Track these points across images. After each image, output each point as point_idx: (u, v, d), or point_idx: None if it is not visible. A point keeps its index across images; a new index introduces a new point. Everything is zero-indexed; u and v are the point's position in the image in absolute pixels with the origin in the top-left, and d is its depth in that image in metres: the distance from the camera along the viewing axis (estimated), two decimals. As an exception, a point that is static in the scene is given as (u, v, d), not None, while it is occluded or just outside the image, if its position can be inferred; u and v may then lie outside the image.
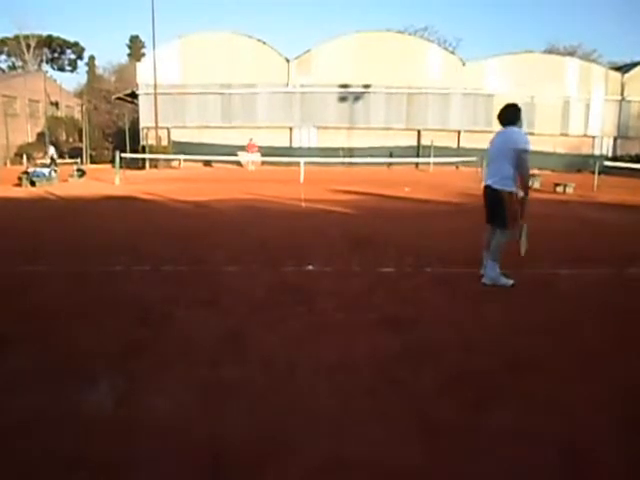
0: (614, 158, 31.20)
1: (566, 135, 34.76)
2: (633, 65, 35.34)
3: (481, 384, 3.07)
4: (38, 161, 25.19)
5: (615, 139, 35.55)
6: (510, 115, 5.37)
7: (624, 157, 31.71)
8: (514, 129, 5.33)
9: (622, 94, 34.24)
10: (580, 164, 30.84)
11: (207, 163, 29.44)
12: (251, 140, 29.41)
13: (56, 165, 20.87)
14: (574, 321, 4.28)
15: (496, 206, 5.29)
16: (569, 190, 16.81)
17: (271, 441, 2.46)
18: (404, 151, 30.67)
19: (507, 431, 2.57)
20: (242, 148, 30.31)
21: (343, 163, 27.38)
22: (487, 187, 5.46)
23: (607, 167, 21.66)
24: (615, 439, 2.52)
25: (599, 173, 18.97)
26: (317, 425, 2.60)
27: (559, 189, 16.99)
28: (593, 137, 35.47)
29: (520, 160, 5.10)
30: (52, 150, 25.98)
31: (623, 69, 35.47)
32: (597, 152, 34.08)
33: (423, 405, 2.81)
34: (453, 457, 2.36)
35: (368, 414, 2.72)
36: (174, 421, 2.62)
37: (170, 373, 3.17)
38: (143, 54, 49.45)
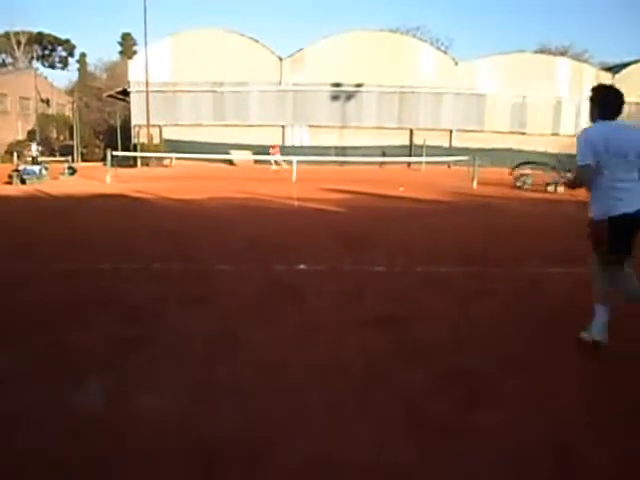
0: (605, 158, 31.34)
1: (557, 135, 34.94)
2: (623, 66, 35.62)
3: (471, 383, 3.08)
4: (28, 158, 24.86)
5: (606, 139, 35.73)
6: (621, 104, 3.76)
7: (614, 157, 31.86)
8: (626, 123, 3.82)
9: (613, 94, 34.45)
10: (571, 163, 30.97)
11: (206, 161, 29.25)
12: (274, 146, 29.11)
13: (38, 163, 20.46)
14: (564, 321, 4.30)
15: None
16: (560, 189, 16.88)
17: (262, 439, 2.46)
18: (396, 150, 30.71)
19: (497, 429, 2.58)
20: (234, 147, 30.24)
21: (335, 162, 27.37)
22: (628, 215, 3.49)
23: (598, 167, 21.76)
24: (603, 437, 2.53)
25: (590, 173, 19.03)
26: (308, 424, 2.60)
27: (550, 188, 17.06)
28: (584, 137, 35.62)
29: None
30: (34, 148, 25.33)
31: (614, 69, 35.73)
32: (588, 152, 34.22)
33: (414, 404, 2.82)
34: (443, 455, 2.37)
35: (359, 413, 2.72)
36: (165, 419, 2.61)
37: (161, 371, 3.16)
38: (135, 52, 49.07)
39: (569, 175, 3.70)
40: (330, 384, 3.03)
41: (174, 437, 2.46)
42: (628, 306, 3.75)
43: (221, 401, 2.81)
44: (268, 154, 27.48)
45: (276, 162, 27.27)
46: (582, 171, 3.59)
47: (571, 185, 3.96)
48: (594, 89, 3.81)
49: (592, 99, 3.78)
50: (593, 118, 3.77)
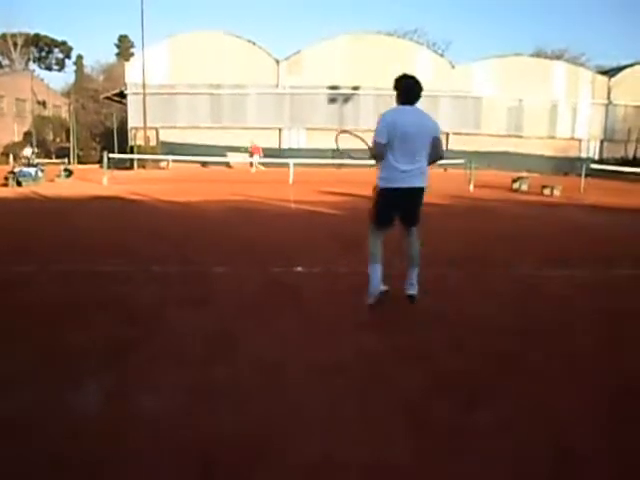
0: (600, 161, 31.57)
1: (553, 138, 35.12)
2: (619, 69, 35.82)
3: (471, 384, 3.09)
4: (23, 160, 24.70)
5: (602, 142, 35.98)
6: (419, 91, 4.32)
7: (610, 160, 32.09)
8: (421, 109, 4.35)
9: (609, 98, 34.68)
10: (567, 167, 31.13)
11: (204, 164, 29.27)
12: (253, 142, 29.08)
13: (34, 165, 20.27)
14: (560, 322, 4.32)
15: (418, 206, 4.51)
16: (556, 192, 16.95)
17: (260, 441, 2.45)
18: (393, 153, 30.72)
19: (495, 431, 2.58)
20: (231, 149, 30.24)
21: (332, 164, 27.40)
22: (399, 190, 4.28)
23: (594, 170, 21.91)
24: (601, 439, 2.54)
25: (586, 176, 19.17)
26: (307, 425, 2.60)
27: (546, 191, 17.12)
28: (580, 140, 35.88)
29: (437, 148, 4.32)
30: (27, 152, 25.05)
31: (610, 73, 35.93)
32: (584, 155, 34.48)
33: (413, 404, 2.82)
34: (443, 456, 2.37)
35: (358, 413, 2.72)
36: (164, 420, 2.61)
37: (160, 372, 3.15)
38: (132, 54, 49.17)
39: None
40: (329, 384, 3.03)
41: (173, 437, 2.45)
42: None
43: (220, 402, 2.80)
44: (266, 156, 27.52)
45: (251, 164, 27.28)
46: (376, 147, 4.20)
47: (371, 157, 4.37)
48: (397, 79, 4.29)
49: (396, 87, 4.29)
50: (397, 103, 4.30)
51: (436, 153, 4.36)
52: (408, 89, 4.27)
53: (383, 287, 4.35)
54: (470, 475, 2.26)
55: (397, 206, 4.38)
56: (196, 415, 2.67)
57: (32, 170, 17.80)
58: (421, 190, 4.38)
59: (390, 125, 4.15)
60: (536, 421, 2.68)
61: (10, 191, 15.04)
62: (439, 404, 2.83)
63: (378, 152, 4.22)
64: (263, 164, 27.19)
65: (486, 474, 2.26)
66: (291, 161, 20.30)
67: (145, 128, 29.87)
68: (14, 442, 2.40)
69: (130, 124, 32.89)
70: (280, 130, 33.52)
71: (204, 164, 29.23)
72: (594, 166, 22.90)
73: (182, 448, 2.37)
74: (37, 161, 22.97)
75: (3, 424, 2.55)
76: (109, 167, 19.45)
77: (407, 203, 4.40)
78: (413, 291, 4.46)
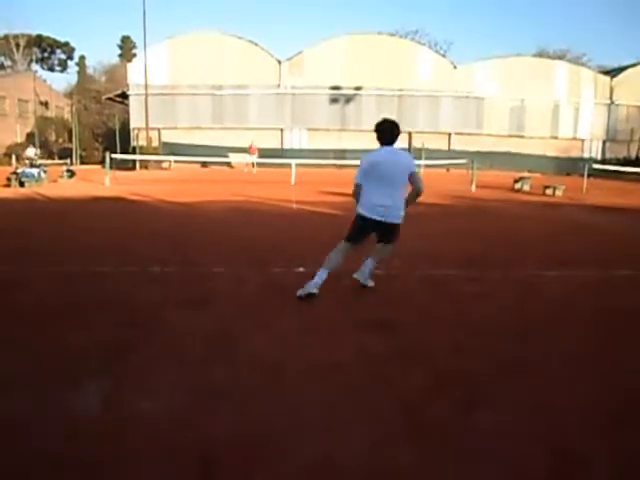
0: (603, 161, 31.54)
1: (556, 138, 35.08)
2: (621, 69, 35.76)
3: (470, 385, 3.08)
4: (26, 160, 24.68)
5: (604, 142, 35.93)
6: (397, 133, 4.83)
7: (612, 160, 32.05)
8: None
9: (611, 98, 34.62)
10: (569, 167, 31.10)
11: (204, 164, 29.33)
12: (252, 143, 29.15)
13: (38, 166, 20.27)
14: (560, 322, 4.31)
15: (394, 233, 4.93)
16: (558, 193, 16.94)
17: (260, 441, 2.45)
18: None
19: (496, 431, 2.58)
20: (233, 149, 30.28)
21: (334, 165, 27.41)
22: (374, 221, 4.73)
23: (596, 170, 21.87)
24: (601, 439, 2.53)
25: (588, 176, 19.14)
26: (306, 425, 2.60)
27: (549, 192, 17.11)
28: (582, 140, 35.84)
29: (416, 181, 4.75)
30: (29, 152, 25.01)
31: (612, 73, 35.87)
32: (586, 155, 34.44)
33: (413, 405, 2.82)
34: (442, 457, 2.37)
35: (358, 414, 2.72)
36: (163, 420, 2.61)
37: (159, 373, 3.15)
38: (134, 55, 49.19)
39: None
40: (329, 385, 3.03)
41: (173, 437, 2.45)
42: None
43: (220, 402, 2.81)
44: (266, 157, 27.52)
45: (252, 164, 27.34)
46: (355, 187, 4.80)
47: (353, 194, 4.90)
48: (378, 123, 4.80)
49: (377, 130, 4.78)
50: (380, 144, 4.80)
51: (416, 189, 4.78)
52: (388, 132, 4.77)
53: (316, 290, 4.70)
54: (470, 475, 2.26)
55: (370, 231, 4.87)
56: (196, 415, 2.67)
57: (35, 171, 17.83)
58: (394, 226, 4.82)
59: (370, 165, 4.70)
60: (536, 421, 2.68)
61: (13, 192, 15.07)
62: (439, 404, 2.83)
63: (356, 192, 4.81)
64: (253, 165, 27.27)
65: (486, 474, 2.26)
66: (293, 161, 20.29)
67: (147, 129, 29.91)
68: (14, 442, 2.41)
69: (132, 125, 32.96)
70: (282, 130, 33.54)
71: (204, 164, 29.29)
72: (596, 166, 22.85)
73: (182, 448, 2.37)
74: (40, 162, 23.00)
75: (3, 424, 2.55)
76: (111, 168, 19.47)
77: (382, 230, 4.85)
78: (361, 278, 5.11)
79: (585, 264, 6.48)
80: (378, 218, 4.68)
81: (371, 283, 5.15)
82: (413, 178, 4.70)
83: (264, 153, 28.52)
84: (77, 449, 2.36)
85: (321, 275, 4.75)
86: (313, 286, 4.70)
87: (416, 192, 4.79)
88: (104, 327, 3.91)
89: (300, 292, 4.70)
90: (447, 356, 3.52)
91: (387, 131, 4.77)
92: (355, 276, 5.14)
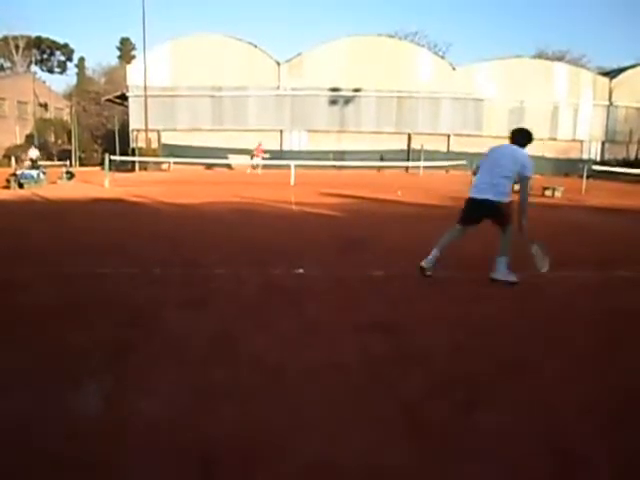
0: (602, 162, 31.53)
1: (555, 139, 35.09)
2: (620, 70, 35.81)
3: (471, 385, 3.08)
4: (25, 163, 24.68)
5: (603, 143, 35.96)
6: (520, 136, 5.84)
7: (612, 161, 32.07)
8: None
9: (610, 99, 34.66)
10: (568, 168, 31.13)
11: (209, 166, 29.28)
12: (260, 144, 29.10)
13: (37, 167, 20.24)
14: (561, 323, 4.31)
15: (496, 215, 5.73)
16: (557, 194, 16.94)
17: (260, 441, 2.45)
18: (394, 155, 30.80)
19: (496, 432, 2.58)
20: (233, 151, 30.28)
21: (334, 166, 27.42)
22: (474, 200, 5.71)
23: (595, 171, 21.88)
24: (601, 439, 2.53)
25: (587, 177, 19.15)
26: (306, 425, 2.60)
27: (548, 193, 17.11)
28: (581, 141, 35.87)
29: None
30: (32, 152, 25.03)
31: (611, 74, 35.92)
32: (585, 156, 34.44)
33: (413, 406, 2.82)
34: (443, 458, 2.37)
35: (358, 415, 2.72)
36: (163, 420, 2.61)
37: (159, 373, 3.15)
38: (133, 56, 49.22)
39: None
40: (329, 386, 3.02)
41: (173, 437, 2.45)
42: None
43: (220, 402, 2.81)
44: (265, 158, 27.50)
45: (252, 166, 27.31)
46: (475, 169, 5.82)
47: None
48: (512, 131, 5.90)
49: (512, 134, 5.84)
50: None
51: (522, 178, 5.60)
52: (514, 136, 5.82)
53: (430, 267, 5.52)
54: (470, 475, 2.26)
55: (474, 212, 5.59)
56: (196, 415, 2.67)
57: (34, 172, 17.86)
58: (492, 202, 5.45)
59: (486, 155, 5.72)
60: (536, 421, 2.68)
61: (12, 193, 15.07)
62: (439, 404, 2.83)
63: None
64: (255, 167, 27.25)
65: (486, 474, 2.26)
66: (292, 163, 20.30)
67: (147, 130, 29.91)
68: (14, 442, 2.40)
69: (132, 126, 32.94)
70: (281, 132, 33.55)
71: (209, 166, 29.27)
72: (595, 167, 22.86)
73: (182, 448, 2.37)
74: (39, 163, 22.99)
75: (3, 424, 2.55)
76: (111, 169, 19.47)
77: (484, 211, 5.54)
78: (492, 274, 5.51)
79: (585, 265, 6.49)
80: (476, 197, 5.51)
81: (512, 278, 5.41)
82: (521, 173, 5.51)
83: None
84: (77, 449, 2.36)
85: (436, 250, 5.58)
86: (431, 257, 5.54)
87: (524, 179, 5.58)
88: (104, 327, 3.91)
89: (423, 263, 5.55)
90: (447, 356, 3.52)
91: (514, 135, 5.78)
92: (490, 276, 5.51)
